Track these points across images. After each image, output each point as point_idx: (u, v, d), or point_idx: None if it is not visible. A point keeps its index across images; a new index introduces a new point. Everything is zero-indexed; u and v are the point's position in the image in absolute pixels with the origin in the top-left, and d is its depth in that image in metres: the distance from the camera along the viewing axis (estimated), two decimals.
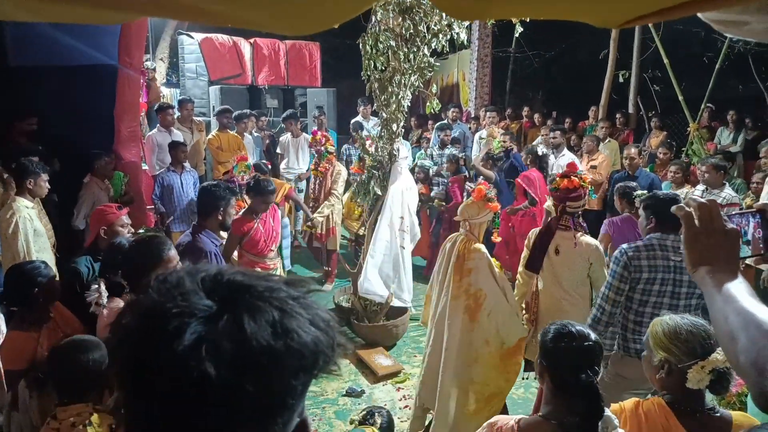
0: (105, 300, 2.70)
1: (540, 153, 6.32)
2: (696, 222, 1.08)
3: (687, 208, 1.10)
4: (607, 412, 1.75)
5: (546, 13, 1.36)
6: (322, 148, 6.37)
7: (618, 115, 9.12)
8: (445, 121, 8.93)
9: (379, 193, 5.15)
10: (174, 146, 6.15)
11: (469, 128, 9.44)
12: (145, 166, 6.53)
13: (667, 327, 1.88)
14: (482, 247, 3.43)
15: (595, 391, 1.73)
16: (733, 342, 0.95)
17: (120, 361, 0.64)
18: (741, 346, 0.93)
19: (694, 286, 2.86)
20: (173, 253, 2.56)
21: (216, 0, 1.11)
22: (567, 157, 7.05)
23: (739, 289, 1.01)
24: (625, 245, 3.00)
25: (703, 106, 7.78)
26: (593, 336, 1.85)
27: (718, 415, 1.81)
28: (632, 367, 2.89)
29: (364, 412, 2.75)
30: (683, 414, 1.82)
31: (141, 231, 4.67)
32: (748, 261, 4.07)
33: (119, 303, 2.72)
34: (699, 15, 1.14)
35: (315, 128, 7.61)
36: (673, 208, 1.13)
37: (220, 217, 3.67)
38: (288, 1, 1.11)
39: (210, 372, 0.58)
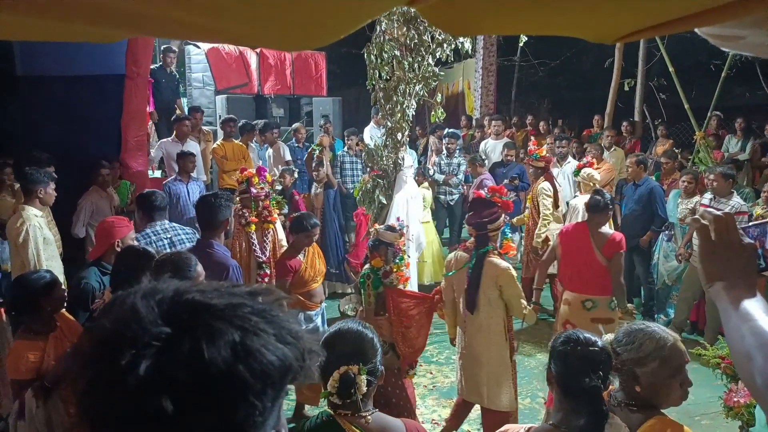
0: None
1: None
2: (712, 235, 1.04)
3: (703, 221, 1.05)
4: (617, 419, 1.75)
5: (540, 30, 1.36)
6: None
7: (624, 124, 9.10)
8: (452, 129, 8.93)
9: (384, 201, 5.15)
10: (182, 156, 6.18)
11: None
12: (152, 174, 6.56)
13: None
14: None
15: (597, 395, 1.74)
16: (750, 362, 0.93)
17: (78, 393, 0.61)
18: (757, 366, 0.91)
19: None
20: (200, 269, 2.57)
21: (219, 18, 1.12)
22: (572, 164, 7.06)
23: (756, 306, 0.97)
24: None
25: (710, 114, 7.73)
26: (600, 343, 1.86)
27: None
28: None
29: None
30: None
31: None
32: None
33: None
34: (696, 30, 1.14)
35: (261, 164, 6.52)
36: (688, 219, 1.10)
37: (226, 227, 3.65)
38: (290, 18, 1.12)
39: (166, 406, 0.56)
